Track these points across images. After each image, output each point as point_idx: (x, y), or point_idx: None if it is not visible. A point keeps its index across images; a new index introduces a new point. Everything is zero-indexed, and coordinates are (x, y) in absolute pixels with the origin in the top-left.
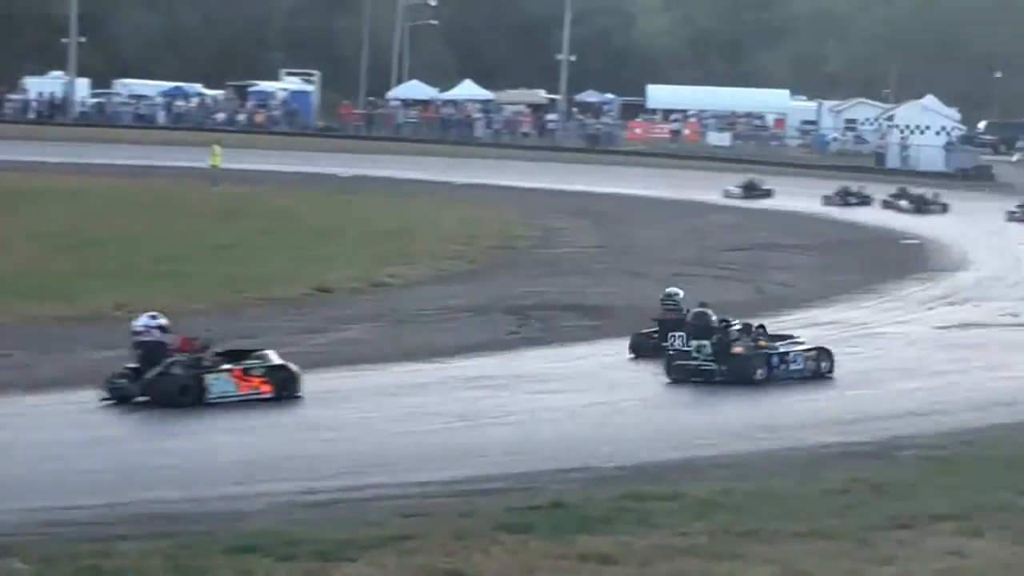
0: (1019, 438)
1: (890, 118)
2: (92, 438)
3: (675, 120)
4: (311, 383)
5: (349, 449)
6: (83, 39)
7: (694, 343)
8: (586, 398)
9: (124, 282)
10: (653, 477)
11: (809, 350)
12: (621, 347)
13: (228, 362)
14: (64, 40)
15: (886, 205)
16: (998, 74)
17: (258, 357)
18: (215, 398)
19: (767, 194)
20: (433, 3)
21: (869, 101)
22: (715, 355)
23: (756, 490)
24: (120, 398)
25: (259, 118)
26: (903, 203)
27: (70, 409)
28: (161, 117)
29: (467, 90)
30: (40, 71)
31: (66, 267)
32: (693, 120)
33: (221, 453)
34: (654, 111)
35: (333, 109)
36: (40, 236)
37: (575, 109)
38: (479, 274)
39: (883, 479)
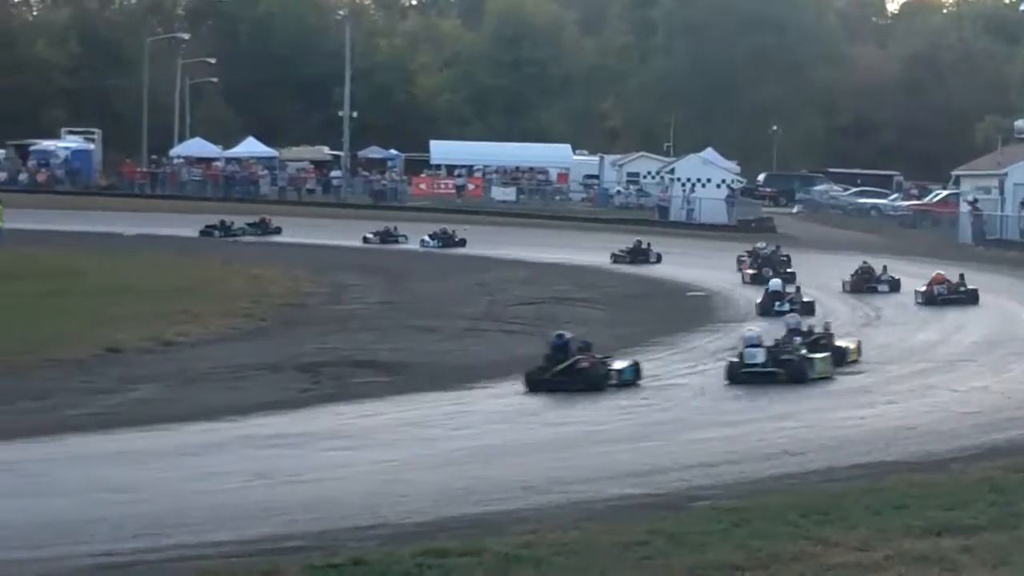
0: (810, 487)
1: (671, 171)
2: None
3: (459, 175)
4: (103, 444)
5: (146, 510)
6: None
7: None
8: (381, 454)
9: None
10: (453, 532)
11: None
12: (414, 403)
13: None
14: None
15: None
16: (774, 127)
17: None
18: None
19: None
20: (212, 61)
21: (651, 155)
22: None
23: (558, 543)
24: None
25: (41, 177)
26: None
27: None
28: None
29: (250, 147)
30: None
31: None
32: (478, 175)
33: (12, 518)
34: (438, 167)
35: (116, 167)
36: None
37: (359, 166)
38: (270, 331)
39: (680, 530)
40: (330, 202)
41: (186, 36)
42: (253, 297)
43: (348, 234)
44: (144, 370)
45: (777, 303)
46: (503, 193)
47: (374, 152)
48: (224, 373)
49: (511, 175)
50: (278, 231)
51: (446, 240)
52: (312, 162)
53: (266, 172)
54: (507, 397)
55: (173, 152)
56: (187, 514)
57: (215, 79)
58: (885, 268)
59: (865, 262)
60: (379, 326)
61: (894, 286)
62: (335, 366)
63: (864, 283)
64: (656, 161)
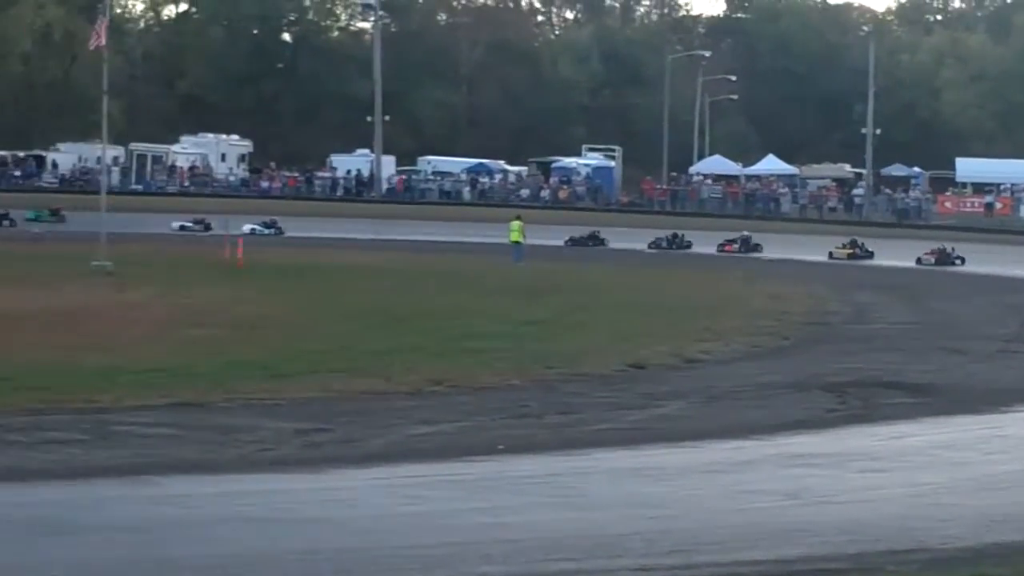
0: None
1: None
2: (421, 512)
3: (988, 192)
4: (632, 459)
5: (678, 527)
6: (387, 117)
7: None
8: (915, 477)
9: (436, 357)
10: (998, 560)
11: None
12: (945, 425)
13: None
14: (369, 119)
15: None
16: None
17: None
18: None
19: None
20: (732, 79)
21: None
22: None
23: None
24: None
25: (563, 194)
26: None
27: (397, 483)
28: (466, 194)
29: (770, 164)
30: (347, 149)
31: (378, 343)
32: (1006, 194)
33: (553, 529)
34: (964, 184)
35: (636, 184)
36: (351, 313)
37: (882, 184)
38: (792, 350)
39: None
40: (852, 220)
41: (706, 53)
42: (775, 315)
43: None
44: (668, 386)
45: None
46: None
47: (897, 170)
48: (749, 391)
49: None
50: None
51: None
52: (834, 180)
53: (786, 190)
54: None
55: (693, 169)
56: (719, 532)
57: (735, 96)
58: None
59: None
60: (904, 346)
61: None
62: (861, 386)
63: None
64: None
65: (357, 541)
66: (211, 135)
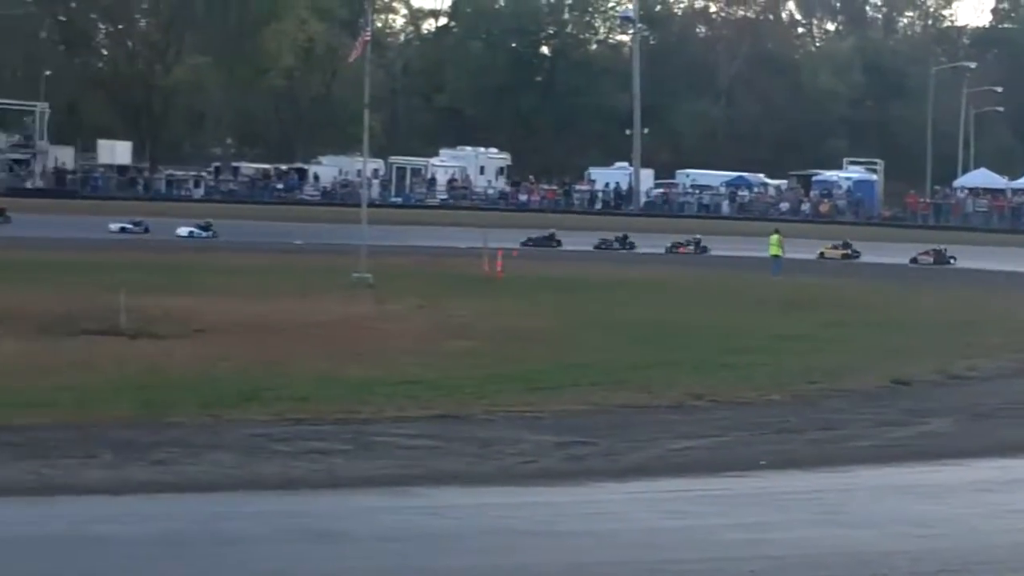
0: None
1: None
2: (683, 527)
3: None
4: (896, 477)
5: (945, 546)
6: (646, 131)
7: None
8: None
9: (696, 371)
10: None
11: None
12: None
13: None
14: (628, 132)
15: None
16: None
17: None
18: None
19: None
20: (999, 90)
21: None
22: None
23: None
24: None
25: (823, 207)
26: None
27: (659, 497)
28: (725, 207)
29: None
30: (605, 162)
31: (637, 356)
32: None
33: (817, 546)
34: None
35: (898, 198)
36: (610, 326)
37: None
38: None
39: None
40: None
41: (971, 65)
42: None
43: None
44: (933, 403)
45: None
46: None
47: None
48: (1017, 409)
49: None
50: None
51: None
52: None
53: None
54: None
55: (957, 183)
56: (988, 552)
57: (1000, 108)
58: None
59: None
60: None
61: None
62: None
63: None
64: None
65: (620, 555)
66: (470, 148)
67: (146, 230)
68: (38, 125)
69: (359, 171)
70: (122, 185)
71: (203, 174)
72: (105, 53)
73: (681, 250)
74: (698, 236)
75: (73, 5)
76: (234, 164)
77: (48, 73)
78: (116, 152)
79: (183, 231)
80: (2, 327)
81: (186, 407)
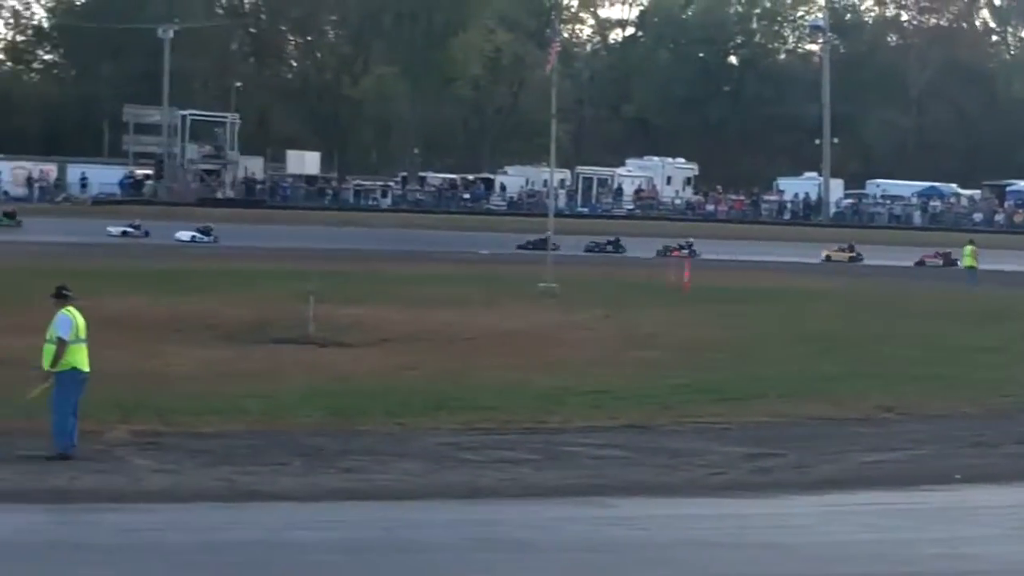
0: None
1: None
2: (875, 540)
3: None
4: None
5: None
6: (836, 140)
7: None
8: None
9: (885, 383)
10: None
11: None
12: None
13: None
14: (817, 142)
15: None
16: None
17: None
18: None
19: None
20: None
21: None
22: None
23: None
24: None
25: (1018, 218)
26: None
27: (851, 511)
28: (916, 217)
29: None
30: (794, 172)
31: (824, 368)
32: None
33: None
34: None
35: None
36: (797, 338)
37: None
38: None
39: None
40: None
41: None
42: None
43: None
44: None
45: None
46: None
47: None
48: None
49: None
50: None
51: None
52: None
53: None
54: None
55: None
56: None
57: None
58: None
59: None
60: None
61: None
62: None
63: None
64: None
65: (810, 568)
66: (656, 158)
67: (146, 234)
68: (228, 136)
69: (545, 181)
70: (310, 195)
71: (390, 184)
72: (294, 64)
73: (674, 253)
74: (690, 239)
75: (263, 18)
76: (421, 174)
77: (238, 84)
78: (305, 162)
79: (184, 235)
80: (181, 334)
81: (374, 416)
